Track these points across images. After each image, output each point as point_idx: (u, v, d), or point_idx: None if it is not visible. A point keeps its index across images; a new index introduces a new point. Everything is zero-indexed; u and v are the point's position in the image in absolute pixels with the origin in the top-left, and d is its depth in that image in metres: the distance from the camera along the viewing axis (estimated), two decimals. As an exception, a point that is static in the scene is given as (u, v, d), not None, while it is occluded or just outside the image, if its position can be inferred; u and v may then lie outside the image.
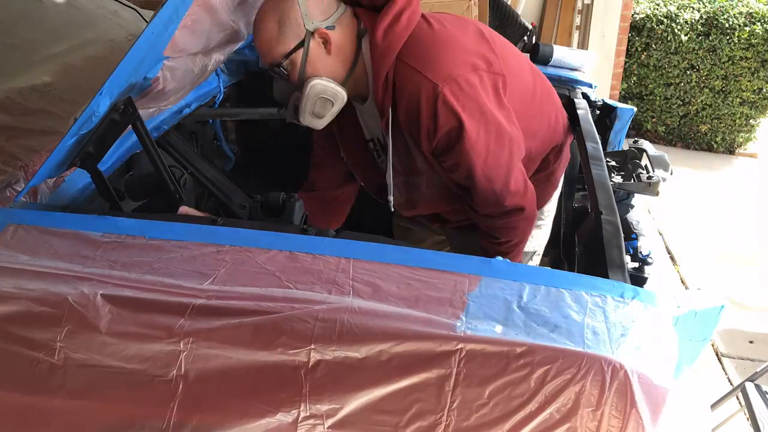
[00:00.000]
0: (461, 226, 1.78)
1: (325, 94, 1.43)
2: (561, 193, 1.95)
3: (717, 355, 3.05)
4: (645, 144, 1.75)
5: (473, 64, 1.42)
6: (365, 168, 1.73)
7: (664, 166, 1.64)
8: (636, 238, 1.50)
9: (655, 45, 5.43)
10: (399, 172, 1.59)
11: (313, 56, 1.41)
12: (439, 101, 1.37)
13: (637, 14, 5.43)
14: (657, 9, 5.45)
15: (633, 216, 1.70)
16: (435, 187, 1.61)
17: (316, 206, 1.78)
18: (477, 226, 1.66)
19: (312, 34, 1.40)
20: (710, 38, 5.30)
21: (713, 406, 2.23)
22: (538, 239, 1.84)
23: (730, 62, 5.33)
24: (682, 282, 3.68)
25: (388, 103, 1.44)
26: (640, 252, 1.38)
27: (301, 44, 1.40)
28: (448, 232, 1.90)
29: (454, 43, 1.44)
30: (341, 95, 1.45)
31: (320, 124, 1.49)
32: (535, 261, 1.87)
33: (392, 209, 1.59)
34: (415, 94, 1.39)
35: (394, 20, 1.40)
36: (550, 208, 1.87)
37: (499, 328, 0.97)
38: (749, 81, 5.37)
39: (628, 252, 1.34)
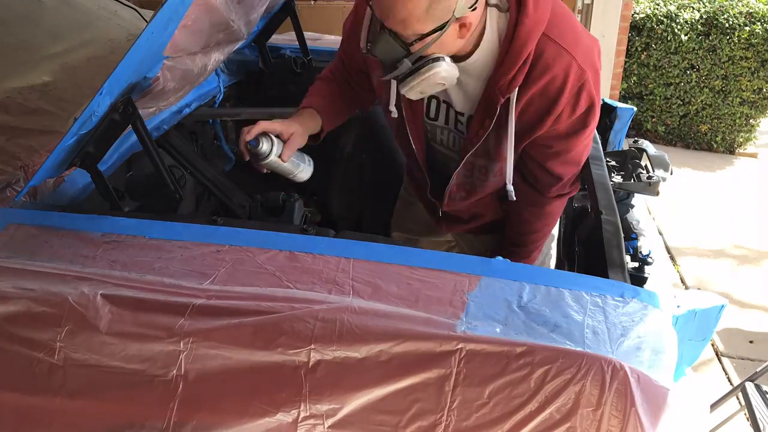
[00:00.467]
0: (476, 230, 1.78)
1: (445, 81, 1.31)
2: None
3: (717, 355, 3.05)
4: (645, 144, 1.75)
5: (599, 52, 1.40)
6: (411, 128, 1.54)
7: (664, 166, 1.64)
8: (636, 238, 1.50)
9: (655, 45, 5.42)
10: (474, 154, 1.46)
11: (445, 38, 1.26)
12: (584, 87, 1.31)
13: (637, 14, 5.43)
14: (657, 9, 5.44)
15: (633, 216, 1.70)
16: (498, 177, 1.52)
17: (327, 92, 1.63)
18: (498, 227, 1.68)
19: (456, 19, 1.23)
20: (710, 38, 5.30)
21: (713, 406, 2.22)
22: (552, 242, 1.83)
23: (730, 62, 5.33)
24: (682, 281, 3.68)
25: (520, 79, 1.30)
26: (640, 252, 1.37)
27: (440, 28, 1.23)
28: (460, 236, 1.88)
29: (582, 27, 1.41)
30: (456, 79, 1.32)
31: (417, 97, 1.37)
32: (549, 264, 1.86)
33: (512, 196, 1.49)
34: (561, 75, 1.29)
35: None
36: None
37: (499, 328, 0.97)
38: (749, 81, 5.37)
39: (628, 252, 1.34)
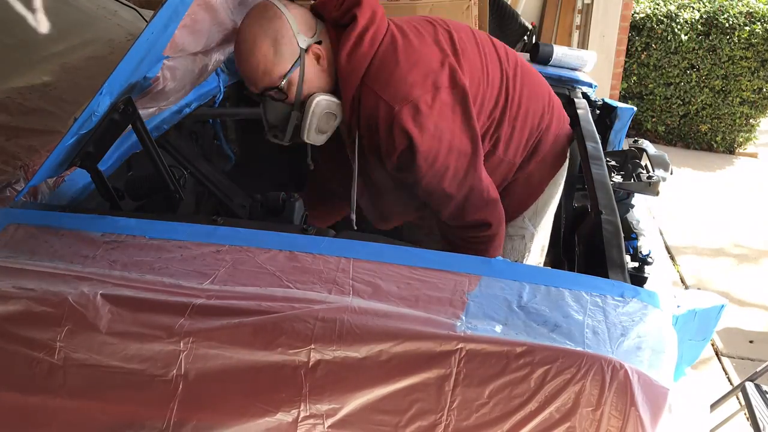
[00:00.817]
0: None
1: (330, 109, 1.45)
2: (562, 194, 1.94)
3: (717, 354, 3.05)
4: (645, 143, 1.75)
5: (434, 82, 1.41)
6: (342, 177, 1.71)
7: (664, 166, 1.64)
8: (636, 238, 1.50)
9: (655, 45, 5.42)
10: (367, 187, 1.62)
11: (309, 73, 1.42)
12: (395, 123, 1.38)
13: (637, 14, 5.43)
14: (657, 9, 5.44)
15: (633, 216, 1.70)
16: (400, 200, 1.64)
17: (315, 199, 1.82)
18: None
19: (306, 51, 1.40)
20: (710, 38, 5.30)
21: (713, 406, 2.23)
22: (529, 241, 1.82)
23: (730, 62, 5.33)
24: (682, 281, 3.68)
25: (355, 122, 1.46)
26: (640, 252, 1.37)
27: (297, 63, 1.40)
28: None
29: (417, 60, 1.43)
30: (341, 108, 1.46)
31: (322, 139, 1.50)
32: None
33: (354, 227, 1.57)
34: (374, 116, 1.41)
35: (357, 43, 1.40)
36: (540, 213, 1.80)
37: (499, 328, 0.97)
38: (749, 81, 5.37)
39: (628, 252, 1.34)
